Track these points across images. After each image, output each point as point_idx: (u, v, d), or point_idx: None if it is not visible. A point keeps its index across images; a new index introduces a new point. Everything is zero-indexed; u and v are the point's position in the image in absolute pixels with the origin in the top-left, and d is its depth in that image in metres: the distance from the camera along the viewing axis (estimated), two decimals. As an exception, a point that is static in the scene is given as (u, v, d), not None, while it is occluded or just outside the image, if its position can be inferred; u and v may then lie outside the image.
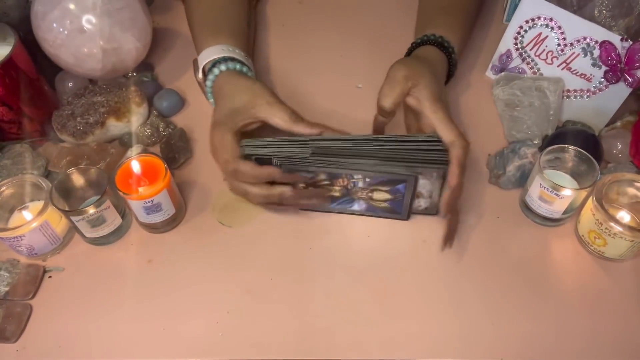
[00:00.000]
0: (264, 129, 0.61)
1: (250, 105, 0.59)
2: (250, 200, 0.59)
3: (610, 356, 0.51)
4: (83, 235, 0.59)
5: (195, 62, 0.68)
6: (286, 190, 0.57)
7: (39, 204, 0.58)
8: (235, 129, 0.58)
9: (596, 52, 0.64)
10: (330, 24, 0.86)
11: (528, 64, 0.71)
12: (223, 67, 0.63)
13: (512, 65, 0.72)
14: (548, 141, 0.64)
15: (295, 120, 0.58)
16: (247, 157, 0.56)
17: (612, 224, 0.53)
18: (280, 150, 0.55)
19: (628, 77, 0.63)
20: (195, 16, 0.72)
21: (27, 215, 0.59)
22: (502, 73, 0.73)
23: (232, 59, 0.64)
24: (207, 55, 0.65)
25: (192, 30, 0.73)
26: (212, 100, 0.66)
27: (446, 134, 0.55)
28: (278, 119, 0.58)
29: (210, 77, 0.64)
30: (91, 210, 0.56)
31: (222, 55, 0.64)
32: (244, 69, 0.65)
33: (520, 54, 0.71)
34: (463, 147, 0.54)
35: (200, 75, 0.66)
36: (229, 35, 0.68)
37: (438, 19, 0.69)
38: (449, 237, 0.57)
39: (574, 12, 0.65)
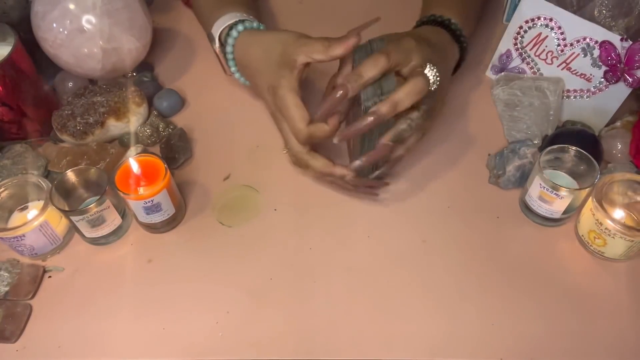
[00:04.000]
0: None
1: (287, 55, 0.56)
2: (310, 173, 0.59)
3: (609, 356, 0.51)
4: (83, 235, 0.59)
5: (209, 36, 0.66)
6: (348, 174, 0.57)
7: (39, 204, 0.58)
8: (295, 87, 0.56)
9: (596, 52, 0.64)
10: (330, 24, 0.85)
11: (528, 64, 0.71)
12: (241, 27, 0.62)
13: (512, 65, 0.72)
14: (548, 141, 0.64)
15: (329, 47, 0.54)
16: None
17: (611, 224, 0.53)
18: None
19: (628, 77, 0.63)
20: None
21: (27, 215, 0.59)
22: (502, 73, 0.73)
23: (250, 21, 0.63)
24: (222, 23, 0.63)
25: (201, 8, 0.71)
26: (234, 69, 0.65)
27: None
28: (316, 54, 0.55)
29: (230, 40, 0.62)
30: (91, 210, 0.56)
31: (237, 19, 0.63)
32: (262, 27, 0.63)
33: (520, 54, 0.71)
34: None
35: (217, 45, 0.64)
36: (242, 6, 0.66)
37: (433, 3, 0.67)
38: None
39: (574, 12, 0.65)
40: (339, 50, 0.54)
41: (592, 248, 0.57)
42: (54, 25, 0.66)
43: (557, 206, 0.57)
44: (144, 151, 0.67)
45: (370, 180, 0.59)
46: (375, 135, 0.55)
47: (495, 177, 0.63)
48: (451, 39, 0.64)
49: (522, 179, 0.62)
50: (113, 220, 0.59)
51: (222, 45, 0.65)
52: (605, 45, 0.63)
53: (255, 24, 0.63)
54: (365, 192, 0.62)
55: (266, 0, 0.89)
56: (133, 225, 0.62)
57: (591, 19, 0.65)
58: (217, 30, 0.64)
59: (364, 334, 0.53)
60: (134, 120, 0.69)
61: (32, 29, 0.68)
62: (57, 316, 0.55)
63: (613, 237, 0.54)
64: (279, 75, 0.57)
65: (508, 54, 0.72)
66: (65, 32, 0.66)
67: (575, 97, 0.68)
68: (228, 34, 0.63)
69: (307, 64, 0.57)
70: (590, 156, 0.57)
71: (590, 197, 0.55)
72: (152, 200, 0.56)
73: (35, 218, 0.56)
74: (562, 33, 0.66)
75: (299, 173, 0.64)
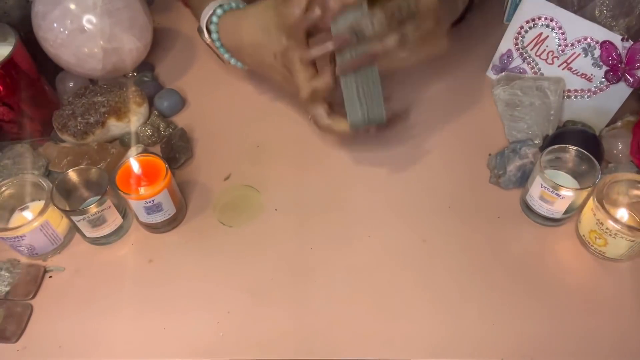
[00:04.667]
0: None
1: (282, 15, 0.55)
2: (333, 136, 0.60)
3: (610, 356, 0.51)
4: (84, 235, 0.59)
5: (199, 29, 0.66)
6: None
7: (40, 204, 0.58)
8: (302, 42, 0.55)
9: (597, 52, 0.64)
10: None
11: (529, 63, 0.71)
12: (219, 11, 0.62)
13: (513, 65, 0.72)
14: (549, 141, 0.64)
15: None
16: None
17: (612, 223, 0.53)
18: None
19: (629, 77, 0.63)
20: None
21: (27, 215, 0.59)
22: (503, 73, 0.73)
23: (227, 4, 0.63)
24: (206, 13, 0.63)
25: (193, 4, 0.71)
26: (227, 55, 0.65)
27: None
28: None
29: (213, 27, 0.62)
30: (92, 210, 0.56)
31: (217, 5, 0.63)
32: (241, 5, 0.63)
33: (521, 54, 0.71)
34: None
35: (206, 35, 0.64)
36: None
37: None
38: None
39: (575, 12, 0.65)
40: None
41: (593, 248, 0.57)
42: (55, 25, 0.66)
43: (558, 206, 0.57)
44: (145, 151, 0.67)
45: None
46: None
47: (496, 177, 0.63)
48: None
49: (523, 179, 0.62)
50: (114, 220, 0.59)
51: (209, 33, 0.64)
52: (606, 45, 0.63)
53: (233, 4, 0.63)
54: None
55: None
56: (134, 225, 0.62)
57: (592, 18, 0.65)
58: (203, 21, 0.64)
59: (364, 334, 0.53)
60: (134, 120, 0.69)
61: (32, 28, 0.68)
62: (57, 316, 0.55)
63: (614, 237, 0.54)
64: (280, 38, 0.56)
65: (509, 54, 0.72)
66: (66, 32, 0.66)
67: (576, 97, 0.68)
68: (211, 22, 0.62)
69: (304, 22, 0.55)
70: (591, 156, 0.57)
71: (591, 197, 0.55)
72: (152, 200, 0.56)
73: (36, 218, 0.56)
74: (562, 33, 0.66)
75: (324, 135, 0.65)
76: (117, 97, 0.68)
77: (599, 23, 0.64)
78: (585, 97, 0.67)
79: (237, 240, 0.60)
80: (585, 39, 0.64)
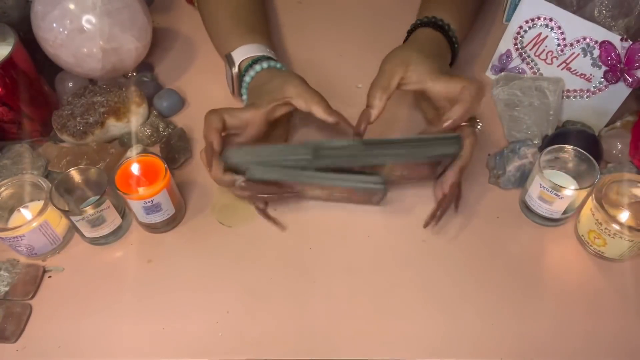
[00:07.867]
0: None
1: (280, 86, 0.60)
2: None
3: (609, 356, 0.51)
4: (83, 235, 0.59)
5: (228, 57, 0.67)
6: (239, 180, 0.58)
7: (39, 204, 0.58)
8: (266, 110, 0.58)
9: (596, 52, 0.64)
10: (329, 24, 0.86)
11: (528, 64, 0.71)
12: (265, 65, 0.64)
13: (512, 65, 0.72)
14: (548, 141, 0.64)
15: (318, 103, 0.58)
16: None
17: (611, 224, 0.53)
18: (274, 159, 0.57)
19: (628, 77, 0.63)
20: (223, 13, 0.72)
21: (27, 215, 0.59)
22: (502, 73, 0.73)
23: (274, 60, 0.65)
24: (246, 52, 0.66)
25: (218, 26, 0.72)
26: (245, 97, 0.67)
27: (452, 88, 0.57)
28: (303, 100, 0.58)
29: (251, 73, 0.64)
30: (91, 210, 0.56)
31: (262, 54, 0.65)
32: (284, 68, 0.66)
33: (520, 54, 0.71)
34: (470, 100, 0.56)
35: (235, 70, 0.66)
36: (263, 37, 0.69)
37: (434, 3, 0.69)
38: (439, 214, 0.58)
39: (574, 12, 0.66)
40: (319, 113, 0.58)
41: (592, 248, 0.57)
42: (54, 25, 0.66)
43: (557, 206, 0.57)
44: (144, 151, 0.67)
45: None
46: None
47: (495, 177, 0.63)
48: (447, 45, 0.66)
49: (522, 179, 0.62)
50: (113, 220, 0.59)
51: (240, 70, 0.66)
52: (605, 45, 0.63)
53: (279, 65, 0.65)
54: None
55: (265, 0, 0.89)
56: (133, 226, 0.62)
57: (591, 19, 0.65)
58: (239, 56, 0.66)
59: (364, 334, 0.53)
60: (134, 120, 0.69)
61: (32, 28, 0.68)
62: (57, 316, 0.55)
63: (613, 237, 0.54)
64: (261, 98, 0.60)
65: (508, 54, 0.72)
66: (65, 32, 0.66)
67: (575, 97, 0.68)
68: (251, 66, 0.64)
69: (289, 107, 0.60)
70: (590, 156, 0.57)
71: (590, 197, 0.55)
72: (152, 200, 0.56)
73: (35, 218, 0.56)
74: (562, 33, 0.66)
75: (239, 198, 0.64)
76: (116, 97, 0.68)
77: (598, 23, 0.64)
78: (585, 97, 0.67)
79: (236, 240, 0.60)
80: (585, 39, 0.64)
